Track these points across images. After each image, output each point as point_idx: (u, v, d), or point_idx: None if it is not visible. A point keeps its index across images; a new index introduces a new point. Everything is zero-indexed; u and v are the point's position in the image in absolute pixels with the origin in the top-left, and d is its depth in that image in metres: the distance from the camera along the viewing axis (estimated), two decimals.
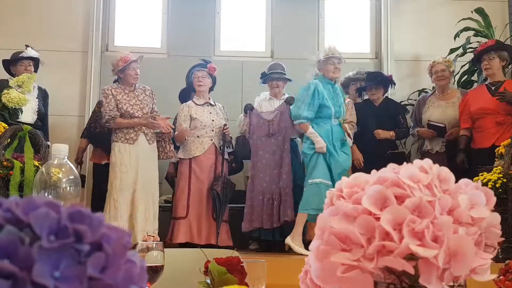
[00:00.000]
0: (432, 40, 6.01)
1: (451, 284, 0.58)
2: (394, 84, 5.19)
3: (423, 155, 4.84)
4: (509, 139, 3.65)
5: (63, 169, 1.40)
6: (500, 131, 4.39)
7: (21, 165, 3.19)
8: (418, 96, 5.61)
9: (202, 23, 6.34)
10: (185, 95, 5.21)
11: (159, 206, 4.99)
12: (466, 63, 5.60)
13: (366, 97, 5.18)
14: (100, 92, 5.89)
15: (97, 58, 6.07)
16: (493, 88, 4.60)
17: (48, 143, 4.08)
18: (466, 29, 5.62)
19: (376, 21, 6.45)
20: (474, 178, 3.30)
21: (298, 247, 4.21)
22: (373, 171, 0.63)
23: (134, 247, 1.41)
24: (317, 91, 4.29)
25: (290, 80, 4.94)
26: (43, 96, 4.87)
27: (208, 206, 4.64)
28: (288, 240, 4.30)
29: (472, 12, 5.68)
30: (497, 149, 3.87)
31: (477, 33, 5.66)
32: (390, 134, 4.82)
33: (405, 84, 5.95)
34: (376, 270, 0.56)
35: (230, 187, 4.65)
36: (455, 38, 5.55)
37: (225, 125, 4.74)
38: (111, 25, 6.36)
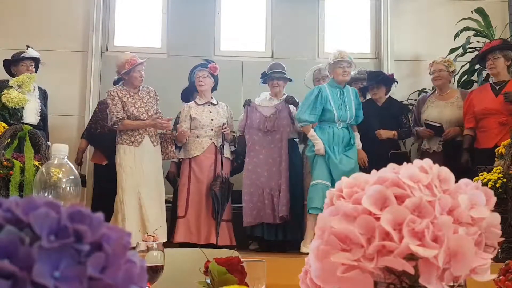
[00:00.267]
0: (432, 40, 6.01)
1: (451, 284, 0.58)
2: (396, 82, 5.17)
3: (421, 154, 4.85)
4: (509, 139, 3.65)
5: (63, 169, 1.40)
6: (503, 132, 4.38)
7: (21, 165, 3.19)
8: (418, 96, 5.61)
9: (202, 23, 6.34)
10: (187, 94, 5.21)
11: None
12: (466, 63, 5.60)
13: (369, 96, 5.18)
14: (100, 92, 5.90)
15: (97, 58, 6.07)
16: (497, 88, 4.59)
17: (49, 143, 4.08)
18: (466, 29, 5.62)
19: (376, 21, 6.45)
20: (474, 178, 3.30)
21: None
22: (373, 171, 0.63)
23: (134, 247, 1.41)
24: (321, 95, 4.39)
25: (290, 80, 4.94)
26: (43, 96, 4.87)
27: (208, 206, 4.65)
28: (303, 248, 4.32)
29: (472, 12, 5.68)
30: (497, 149, 3.87)
31: (477, 33, 5.66)
32: (392, 134, 4.81)
33: (405, 84, 5.95)
34: (376, 270, 0.56)
35: (228, 186, 4.64)
36: (455, 38, 5.55)
37: (223, 124, 4.74)
38: (111, 25, 6.36)
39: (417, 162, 0.62)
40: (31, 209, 0.38)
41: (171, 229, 4.72)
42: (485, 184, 3.22)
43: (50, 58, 5.27)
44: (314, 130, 4.40)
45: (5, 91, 4.26)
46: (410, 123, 4.99)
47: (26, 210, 0.38)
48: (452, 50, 5.55)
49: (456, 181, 0.62)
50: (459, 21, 5.58)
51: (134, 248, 1.37)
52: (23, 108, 4.40)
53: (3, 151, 3.26)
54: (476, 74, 5.58)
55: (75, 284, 0.37)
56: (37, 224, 0.37)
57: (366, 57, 6.37)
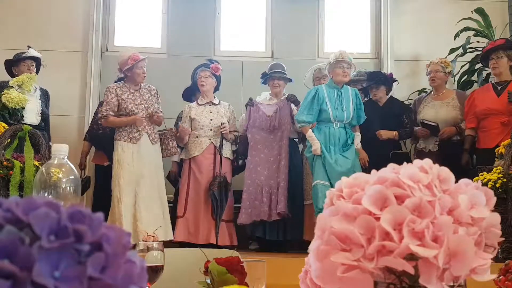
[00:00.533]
0: (432, 40, 6.01)
1: (451, 284, 0.58)
2: (395, 81, 5.17)
3: (417, 154, 4.85)
4: (509, 139, 3.65)
5: (63, 169, 1.40)
6: (504, 132, 4.38)
7: (21, 165, 3.19)
8: (418, 95, 5.61)
9: (202, 23, 6.34)
10: (189, 94, 5.22)
11: None
12: (466, 63, 5.60)
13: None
14: (100, 92, 5.90)
15: (97, 58, 6.07)
16: (499, 88, 4.59)
17: (50, 143, 4.09)
18: (466, 29, 5.62)
19: (376, 21, 6.45)
20: (474, 178, 3.30)
21: None
22: (373, 171, 0.63)
23: (134, 247, 1.41)
24: (317, 95, 4.42)
25: (290, 80, 4.95)
26: (45, 97, 4.87)
27: (207, 206, 4.65)
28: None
29: (472, 12, 5.68)
30: (497, 149, 3.86)
31: (477, 33, 5.66)
32: (393, 134, 4.81)
33: (405, 84, 5.95)
34: (376, 270, 0.56)
35: (226, 186, 4.64)
36: (455, 38, 5.55)
37: (222, 123, 4.74)
38: (111, 25, 6.36)
39: (417, 162, 0.62)
40: (31, 209, 0.38)
41: (172, 228, 4.73)
42: (485, 184, 3.22)
43: (50, 58, 5.27)
44: (313, 131, 4.42)
45: (5, 91, 4.26)
46: (412, 123, 4.98)
47: (26, 210, 0.38)
48: (452, 50, 5.55)
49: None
50: (459, 21, 5.58)
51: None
52: (23, 108, 4.40)
53: (3, 151, 3.26)
54: (476, 74, 5.58)
55: (75, 284, 0.37)
56: (37, 224, 0.37)
57: (366, 57, 6.37)
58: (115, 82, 4.86)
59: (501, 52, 4.58)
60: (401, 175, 0.59)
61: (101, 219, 0.41)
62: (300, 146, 5.00)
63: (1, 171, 3.23)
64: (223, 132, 4.71)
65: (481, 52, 5.00)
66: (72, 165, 1.43)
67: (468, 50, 5.47)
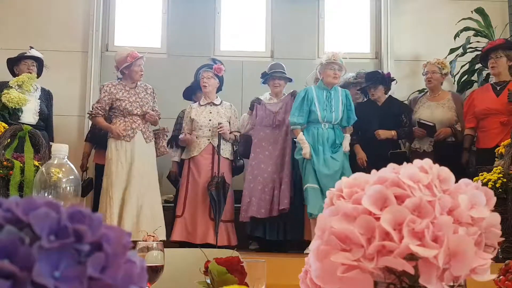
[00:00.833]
0: (432, 40, 6.01)
1: (451, 284, 0.58)
2: (393, 80, 5.17)
3: (411, 154, 4.85)
4: (509, 139, 3.65)
5: (63, 169, 1.40)
6: (504, 132, 4.38)
7: (21, 165, 3.18)
8: (413, 95, 5.61)
9: (202, 23, 6.34)
10: (190, 93, 5.23)
11: None
12: (466, 63, 5.60)
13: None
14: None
15: (97, 58, 6.07)
16: (498, 88, 4.59)
17: (51, 143, 4.08)
18: (466, 29, 5.62)
19: (376, 21, 6.45)
20: (474, 178, 3.30)
21: None
22: (373, 171, 0.63)
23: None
24: (307, 96, 4.49)
25: (290, 80, 4.95)
26: (46, 97, 4.86)
27: (205, 206, 4.65)
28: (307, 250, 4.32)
29: (472, 12, 5.68)
30: (497, 149, 3.86)
31: (477, 33, 5.66)
32: (391, 134, 4.81)
33: (405, 84, 5.95)
34: (376, 270, 0.56)
35: (224, 186, 4.63)
36: (455, 38, 5.55)
37: (219, 123, 4.74)
38: (111, 25, 6.36)
39: (417, 162, 0.62)
40: (31, 209, 0.38)
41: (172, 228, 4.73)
42: (485, 184, 3.22)
43: (50, 58, 5.27)
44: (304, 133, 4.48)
45: (5, 91, 4.26)
46: (411, 122, 4.98)
47: (26, 210, 0.38)
48: (452, 50, 5.55)
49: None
50: (459, 21, 5.58)
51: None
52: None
53: (3, 151, 3.26)
54: (476, 74, 5.58)
55: (75, 284, 0.37)
56: (37, 224, 0.37)
57: (366, 57, 6.37)
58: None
59: (500, 52, 4.58)
60: (401, 175, 0.59)
61: (101, 219, 0.41)
62: None
63: (1, 171, 3.22)
64: (220, 132, 4.71)
65: (481, 52, 5.00)
66: (72, 165, 1.43)
67: (468, 50, 5.47)
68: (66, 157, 1.42)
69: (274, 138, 4.79)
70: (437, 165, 0.62)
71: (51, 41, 5.78)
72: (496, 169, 3.54)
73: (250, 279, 1.20)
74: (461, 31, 5.59)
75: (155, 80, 5.44)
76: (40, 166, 2.96)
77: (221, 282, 1.15)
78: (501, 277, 1.18)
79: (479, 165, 3.98)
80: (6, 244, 0.36)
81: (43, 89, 4.85)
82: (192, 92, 5.21)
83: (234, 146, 4.89)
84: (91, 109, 4.52)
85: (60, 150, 1.41)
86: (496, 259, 0.63)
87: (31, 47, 4.89)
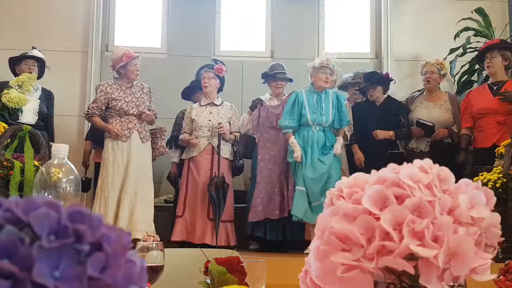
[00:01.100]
0: (432, 40, 6.00)
1: (451, 284, 0.58)
2: (391, 80, 5.17)
3: (407, 153, 4.85)
4: (509, 139, 3.65)
5: (63, 169, 1.40)
6: (501, 131, 4.39)
7: (21, 165, 3.19)
8: (410, 94, 5.61)
9: (202, 23, 6.34)
10: (188, 93, 5.23)
11: (157, 206, 4.97)
12: (466, 63, 5.60)
13: None
14: None
15: (97, 58, 6.07)
16: (495, 88, 4.60)
17: (52, 143, 4.08)
18: (466, 29, 5.62)
19: (376, 21, 6.45)
20: (474, 178, 3.30)
21: None
22: (373, 171, 0.63)
23: None
24: (297, 100, 4.53)
25: (291, 80, 4.96)
26: (47, 97, 4.87)
27: (203, 206, 4.65)
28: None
29: (472, 12, 5.68)
30: (497, 149, 3.87)
31: (477, 33, 5.66)
32: (389, 134, 4.82)
33: (405, 84, 5.95)
34: (376, 270, 0.56)
35: (223, 187, 4.63)
36: (455, 38, 5.55)
37: (219, 123, 4.74)
38: (111, 25, 6.36)
39: (417, 162, 0.62)
40: (31, 209, 0.38)
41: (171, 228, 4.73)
42: (485, 184, 3.22)
43: (50, 58, 5.26)
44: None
45: (5, 91, 4.26)
46: (409, 122, 4.98)
47: (26, 210, 0.38)
48: (452, 50, 5.55)
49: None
50: (459, 21, 5.58)
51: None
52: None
53: (3, 151, 3.26)
54: (476, 74, 5.58)
55: (75, 284, 0.37)
56: (37, 224, 0.37)
57: (366, 57, 6.37)
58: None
59: (496, 52, 4.59)
60: (401, 175, 0.59)
61: (101, 219, 0.41)
62: None
63: (1, 171, 3.23)
64: (220, 133, 4.71)
65: (477, 52, 5.00)
66: (72, 165, 1.43)
67: (468, 50, 5.47)
68: (66, 157, 1.41)
69: (277, 139, 4.80)
70: (437, 165, 0.62)
71: (51, 41, 5.77)
72: (496, 169, 3.54)
73: (250, 279, 1.20)
74: (461, 31, 5.59)
75: (155, 80, 5.44)
76: (40, 166, 2.96)
77: (221, 282, 1.15)
78: (501, 277, 1.18)
79: (476, 165, 3.99)
80: (6, 244, 0.36)
81: (43, 89, 4.85)
82: (190, 93, 5.21)
83: (234, 147, 4.89)
84: (87, 109, 4.51)
85: (60, 150, 1.41)
86: (496, 259, 0.63)
87: (33, 47, 4.89)
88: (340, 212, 0.59)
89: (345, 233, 0.57)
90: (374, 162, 3.88)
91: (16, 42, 5.43)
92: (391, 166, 0.63)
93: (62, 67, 5.76)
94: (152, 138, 4.59)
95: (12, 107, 4.22)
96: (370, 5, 6.52)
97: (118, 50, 4.60)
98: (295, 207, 4.35)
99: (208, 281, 1.20)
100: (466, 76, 5.65)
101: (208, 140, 4.76)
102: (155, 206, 4.59)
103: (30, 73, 4.61)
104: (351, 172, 4.64)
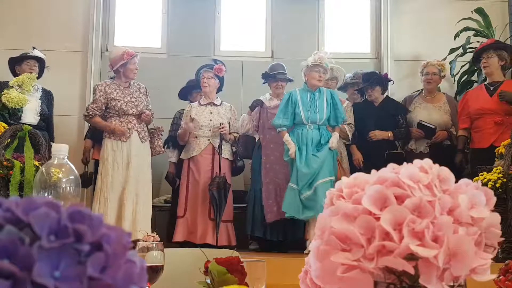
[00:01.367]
0: (432, 40, 6.00)
1: (451, 284, 0.58)
2: (390, 81, 5.17)
3: (406, 154, 4.85)
4: (509, 139, 3.65)
5: (63, 169, 1.40)
6: (498, 132, 4.40)
7: (21, 165, 3.19)
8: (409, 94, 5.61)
9: (202, 23, 6.34)
10: (185, 93, 5.23)
11: (157, 206, 4.97)
12: (466, 63, 5.60)
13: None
14: None
15: (97, 58, 6.07)
16: (491, 88, 4.60)
17: (52, 143, 4.08)
18: (466, 29, 5.61)
19: (376, 21, 6.45)
20: (474, 178, 3.30)
21: None
22: (373, 171, 0.63)
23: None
24: (291, 99, 4.53)
25: (291, 80, 4.96)
26: (47, 97, 4.86)
27: (204, 206, 4.65)
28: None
29: (472, 12, 5.68)
30: (497, 149, 3.87)
31: (477, 33, 5.66)
32: (388, 134, 4.82)
33: (405, 84, 5.95)
34: (376, 270, 0.56)
35: (225, 187, 4.64)
36: (455, 38, 5.55)
37: (221, 124, 4.74)
38: (111, 25, 6.36)
39: (417, 162, 0.62)
40: (31, 209, 0.38)
41: (172, 229, 4.72)
42: (485, 184, 3.22)
43: (50, 58, 5.26)
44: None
45: (5, 91, 4.26)
46: (407, 123, 4.98)
47: (26, 210, 0.38)
48: (452, 50, 5.55)
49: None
50: (459, 21, 5.58)
51: None
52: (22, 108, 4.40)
53: (3, 151, 3.26)
54: (476, 74, 5.58)
55: (75, 284, 0.37)
56: (37, 224, 0.37)
57: (366, 57, 6.37)
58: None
59: (492, 52, 4.60)
60: (401, 175, 0.59)
61: (101, 219, 0.41)
62: None
63: (1, 171, 3.23)
64: (221, 133, 4.72)
65: (473, 53, 5.00)
66: (72, 165, 1.43)
67: (468, 50, 5.47)
68: (66, 157, 1.42)
69: (280, 140, 4.79)
70: (437, 165, 0.62)
71: (51, 41, 5.77)
72: (496, 169, 3.54)
73: (250, 279, 1.20)
74: (461, 31, 5.59)
75: (155, 80, 5.44)
76: (40, 166, 2.97)
77: (221, 282, 1.15)
78: (501, 277, 1.18)
79: (474, 166, 3.99)
80: (6, 244, 0.36)
81: (43, 90, 4.85)
82: (187, 92, 5.22)
83: (233, 147, 4.89)
84: (86, 111, 4.47)
85: (60, 150, 1.41)
86: (496, 259, 0.63)
87: (34, 48, 4.89)
88: (340, 212, 0.59)
89: (345, 233, 0.57)
90: (372, 162, 3.88)
91: (16, 42, 5.43)
92: (391, 166, 0.63)
93: (62, 67, 5.75)
94: (149, 137, 4.59)
95: (12, 107, 4.22)
96: (370, 5, 6.52)
97: (117, 49, 4.60)
98: (285, 204, 4.38)
99: (208, 281, 1.20)
100: (466, 76, 5.65)
101: (208, 139, 4.76)
102: (155, 206, 4.59)
103: (31, 73, 4.61)
104: (350, 172, 4.65)
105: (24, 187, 3.10)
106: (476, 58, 4.79)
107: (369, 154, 4.72)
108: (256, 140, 5.05)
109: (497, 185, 3.42)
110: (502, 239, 0.61)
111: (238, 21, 6.51)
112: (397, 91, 5.62)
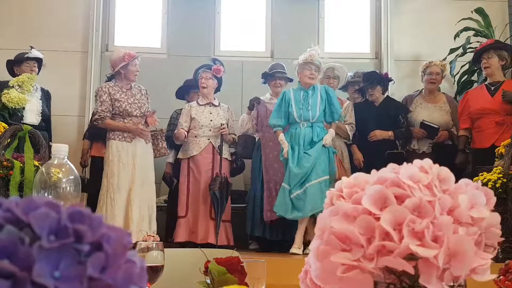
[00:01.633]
0: (432, 40, 6.01)
1: (451, 284, 0.58)
2: (391, 80, 5.17)
3: (408, 154, 4.85)
4: (509, 139, 3.66)
5: (63, 169, 1.40)
6: (499, 131, 4.40)
7: (21, 165, 3.19)
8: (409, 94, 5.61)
9: (202, 23, 6.34)
10: (182, 93, 5.23)
11: (158, 206, 4.97)
12: (466, 63, 5.60)
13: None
14: None
15: (97, 58, 6.07)
16: (492, 88, 4.61)
17: (51, 143, 4.08)
18: (466, 29, 5.62)
19: (376, 21, 6.45)
20: (474, 178, 3.30)
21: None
22: (373, 171, 0.63)
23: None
24: (284, 98, 4.52)
25: (291, 80, 4.96)
26: (46, 97, 4.87)
27: (205, 206, 4.65)
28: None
29: (472, 12, 5.68)
30: (497, 149, 3.87)
31: (477, 33, 5.66)
32: (389, 134, 4.82)
33: (405, 84, 5.95)
34: (376, 270, 0.56)
35: (227, 186, 4.64)
36: (455, 38, 5.55)
37: (222, 124, 4.74)
38: (111, 25, 6.36)
39: (417, 162, 0.62)
40: (31, 209, 0.38)
41: (169, 229, 4.72)
42: (485, 184, 3.22)
43: (50, 58, 5.27)
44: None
45: (5, 91, 4.26)
46: (408, 122, 4.98)
47: (26, 210, 0.38)
48: (452, 50, 5.55)
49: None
50: (459, 21, 5.58)
51: None
52: (23, 108, 4.40)
53: (3, 151, 3.26)
54: (476, 74, 5.58)
55: (75, 284, 0.37)
56: (37, 224, 0.37)
57: (366, 57, 6.37)
58: (106, 81, 4.85)
59: (492, 52, 4.61)
60: (401, 175, 0.59)
61: (101, 219, 0.41)
62: None
63: (1, 171, 3.23)
64: (223, 133, 4.72)
65: (474, 54, 5.01)
66: (72, 165, 1.43)
67: (468, 50, 5.47)
68: (66, 157, 1.42)
69: (277, 139, 4.79)
70: (437, 165, 0.62)
71: (51, 41, 5.77)
72: (496, 169, 3.54)
73: (250, 279, 1.20)
74: (461, 31, 5.59)
75: (155, 80, 5.44)
76: (40, 166, 2.97)
77: (221, 282, 1.15)
78: (501, 277, 1.18)
79: (475, 165, 3.99)
80: (6, 244, 0.36)
81: (42, 89, 4.85)
82: (184, 92, 5.22)
83: (230, 148, 4.90)
84: (95, 116, 4.41)
85: (60, 150, 1.41)
86: (496, 259, 0.63)
87: (32, 47, 4.88)
88: (340, 212, 0.59)
89: (345, 233, 0.57)
90: (373, 162, 3.88)
91: (16, 42, 5.43)
92: (391, 166, 0.63)
93: (62, 67, 5.76)
94: (152, 139, 4.59)
95: (12, 107, 4.22)
96: (370, 5, 6.52)
97: (117, 51, 4.60)
98: (276, 204, 4.37)
99: (208, 281, 1.20)
100: (466, 76, 5.65)
101: (208, 139, 4.77)
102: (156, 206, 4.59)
103: (31, 73, 4.61)
104: (351, 172, 4.64)
105: (24, 187, 3.10)
106: (476, 58, 4.80)
107: (370, 154, 4.72)
108: (256, 140, 5.05)
109: (497, 185, 3.42)
110: (502, 239, 0.61)
111: (238, 21, 6.51)
112: (397, 91, 5.62)
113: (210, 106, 4.86)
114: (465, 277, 0.59)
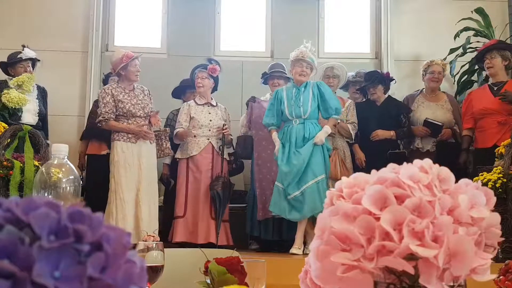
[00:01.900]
0: (432, 40, 6.01)
1: (451, 284, 0.58)
2: (392, 80, 5.17)
3: (412, 153, 4.84)
4: (509, 139, 3.66)
5: (63, 169, 1.40)
6: (502, 131, 4.41)
7: (21, 165, 3.19)
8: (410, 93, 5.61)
9: (202, 23, 6.34)
10: (179, 93, 5.24)
11: (159, 206, 4.96)
12: (466, 63, 5.60)
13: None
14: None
15: (97, 58, 6.07)
16: (495, 88, 4.61)
17: (48, 141, 4.08)
18: (466, 29, 5.62)
19: (376, 21, 6.45)
20: (474, 178, 3.30)
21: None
22: (373, 171, 0.63)
23: (135, 246, 1.40)
24: (277, 97, 4.51)
25: (290, 79, 4.96)
26: (42, 95, 4.84)
27: (206, 206, 4.65)
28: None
29: (472, 12, 5.68)
30: (497, 149, 3.87)
31: (477, 33, 5.66)
32: (390, 134, 4.81)
33: (405, 84, 5.95)
34: (376, 270, 0.56)
35: (229, 187, 4.66)
36: (455, 38, 5.55)
37: (224, 125, 4.75)
38: (111, 25, 6.36)
39: (417, 162, 0.62)
40: (31, 209, 0.38)
41: (167, 229, 4.71)
42: (485, 184, 3.22)
43: (50, 58, 5.27)
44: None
45: (5, 91, 4.26)
46: (410, 122, 4.98)
47: (26, 210, 0.38)
48: (452, 50, 5.55)
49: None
50: (459, 21, 5.58)
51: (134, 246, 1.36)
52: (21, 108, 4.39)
53: (3, 151, 3.26)
54: (476, 74, 5.59)
55: (75, 284, 0.37)
56: (37, 224, 0.37)
57: (366, 57, 6.37)
58: (103, 81, 4.85)
59: (495, 52, 4.62)
60: (401, 175, 0.59)
61: (101, 219, 0.41)
62: None
63: (1, 171, 3.23)
64: (225, 134, 4.73)
65: (476, 53, 5.02)
66: (72, 165, 1.43)
67: (468, 50, 5.47)
68: (66, 157, 1.42)
69: (271, 138, 4.79)
70: (437, 165, 0.62)
71: (51, 41, 5.77)
72: (496, 169, 3.54)
73: (250, 279, 1.20)
74: (461, 31, 5.59)
75: (155, 80, 5.44)
76: (40, 166, 2.96)
77: (221, 282, 1.15)
78: (501, 277, 1.18)
79: (477, 165, 3.99)
80: (6, 244, 0.36)
81: (38, 87, 4.81)
82: (181, 92, 5.23)
83: (227, 148, 4.90)
84: (101, 117, 4.39)
85: (60, 150, 1.41)
86: (496, 259, 0.63)
87: (23, 46, 4.80)
88: (340, 212, 0.59)
89: (345, 233, 0.57)
90: (375, 162, 3.87)
91: (16, 42, 5.42)
92: (391, 166, 0.63)
93: (62, 67, 5.76)
94: (156, 139, 4.60)
95: (12, 107, 4.22)
96: (370, 5, 6.52)
97: (117, 52, 4.60)
98: (272, 203, 4.36)
99: (208, 281, 1.20)
100: (466, 76, 5.65)
101: (208, 139, 4.77)
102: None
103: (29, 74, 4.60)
104: (353, 172, 4.64)
105: (24, 187, 3.10)
106: (479, 58, 4.80)
107: (372, 154, 4.71)
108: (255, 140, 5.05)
109: (497, 185, 3.42)
110: (502, 239, 0.61)
111: (238, 21, 6.51)
112: (397, 91, 5.62)
113: (208, 106, 4.87)
114: (465, 277, 0.59)
